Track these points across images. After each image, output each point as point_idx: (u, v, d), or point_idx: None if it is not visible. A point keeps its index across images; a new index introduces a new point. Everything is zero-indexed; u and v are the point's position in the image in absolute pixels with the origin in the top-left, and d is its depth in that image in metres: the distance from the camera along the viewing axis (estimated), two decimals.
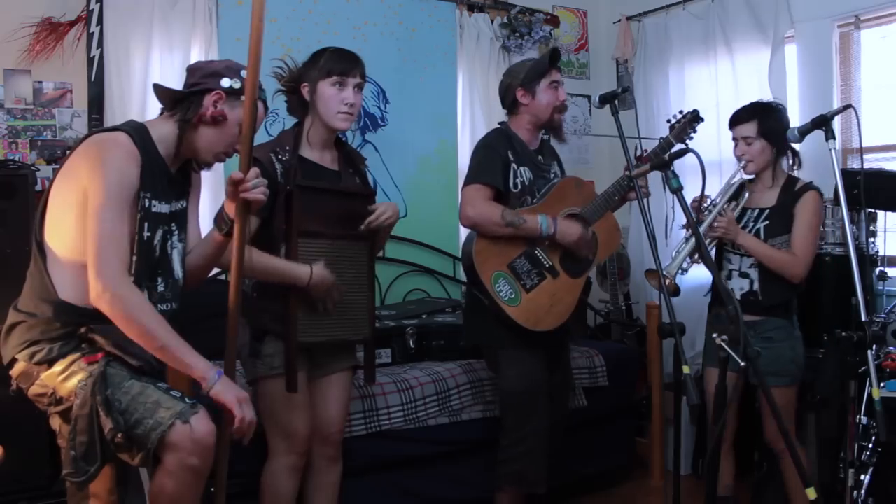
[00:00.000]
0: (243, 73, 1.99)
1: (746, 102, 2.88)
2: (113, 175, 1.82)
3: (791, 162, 2.83)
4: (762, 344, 2.66)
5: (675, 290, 2.69)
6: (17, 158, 3.13)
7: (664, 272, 2.60)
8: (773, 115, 2.76)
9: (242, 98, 1.93)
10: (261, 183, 1.94)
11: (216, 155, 2.04)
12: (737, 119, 2.80)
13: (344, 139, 2.62)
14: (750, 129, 2.74)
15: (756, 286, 2.73)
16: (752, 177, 2.83)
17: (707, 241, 2.74)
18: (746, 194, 2.82)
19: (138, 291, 1.86)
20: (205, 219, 2.28)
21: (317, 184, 2.38)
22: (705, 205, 2.76)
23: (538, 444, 2.70)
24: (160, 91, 2.06)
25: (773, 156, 2.75)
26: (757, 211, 2.78)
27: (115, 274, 1.80)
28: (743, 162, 2.76)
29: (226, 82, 1.97)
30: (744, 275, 2.76)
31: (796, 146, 2.80)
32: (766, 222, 2.73)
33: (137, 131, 1.92)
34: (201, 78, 1.99)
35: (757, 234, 2.73)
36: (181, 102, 1.99)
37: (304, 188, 2.33)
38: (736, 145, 2.80)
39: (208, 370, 1.87)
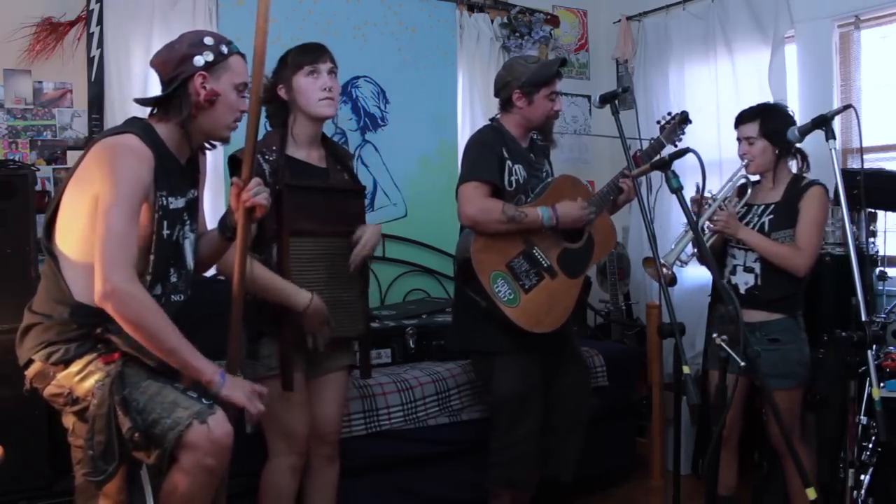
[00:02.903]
0: (206, 41, 1.96)
1: (746, 102, 2.88)
2: (124, 177, 1.82)
3: (801, 165, 2.83)
4: (769, 346, 2.65)
5: (672, 280, 2.68)
6: (17, 158, 3.13)
7: (661, 261, 2.60)
8: (776, 116, 2.74)
9: (221, 63, 1.94)
10: (263, 190, 1.95)
11: (228, 126, 2.03)
12: (740, 118, 2.80)
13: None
14: (752, 129, 2.74)
15: (760, 281, 2.72)
16: (756, 177, 2.82)
17: (706, 235, 2.74)
18: (750, 191, 2.82)
19: (146, 292, 1.84)
20: (208, 219, 2.29)
21: (306, 182, 2.38)
22: (706, 201, 2.75)
23: (528, 448, 2.69)
24: (145, 103, 2.06)
25: (775, 157, 2.75)
26: (763, 206, 2.78)
27: (121, 274, 1.79)
28: (745, 161, 2.76)
29: (199, 60, 1.93)
30: (748, 269, 2.75)
31: (805, 149, 2.79)
32: (771, 216, 2.73)
33: (145, 131, 1.92)
34: (175, 69, 1.94)
35: (762, 228, 2.73)
36: (169, 103, 1.97)
37: (293, 187, 2.32)
38: (739, 144, 2.80)
39: (214, 373, 1.88)
